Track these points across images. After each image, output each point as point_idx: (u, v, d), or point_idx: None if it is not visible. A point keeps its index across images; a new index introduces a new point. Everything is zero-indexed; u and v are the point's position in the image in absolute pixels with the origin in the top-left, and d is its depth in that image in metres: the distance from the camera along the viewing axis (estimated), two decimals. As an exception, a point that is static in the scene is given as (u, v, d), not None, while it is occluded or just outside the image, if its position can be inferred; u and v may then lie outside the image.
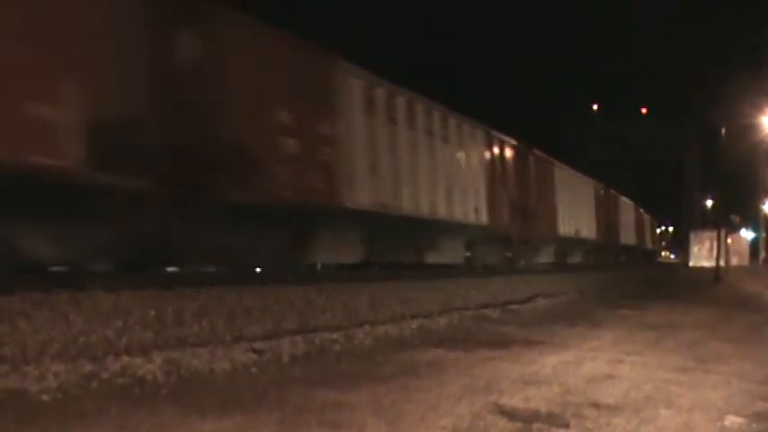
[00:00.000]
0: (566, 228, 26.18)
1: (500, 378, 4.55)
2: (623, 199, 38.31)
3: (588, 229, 29.62)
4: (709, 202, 63.80)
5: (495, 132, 20.16)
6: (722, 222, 40.24)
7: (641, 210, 45.85)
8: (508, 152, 20.93)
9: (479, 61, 70.12)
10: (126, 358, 4.30)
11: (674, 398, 4.18)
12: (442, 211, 16.70)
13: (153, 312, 5.87)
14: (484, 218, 18.86)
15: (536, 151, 23.62)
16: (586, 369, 5.05)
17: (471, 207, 18.24)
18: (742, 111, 35.45)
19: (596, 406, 3.87)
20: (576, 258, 28.95)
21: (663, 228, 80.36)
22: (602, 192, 32.80)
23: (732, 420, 3.72)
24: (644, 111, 78.06)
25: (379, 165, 14.27)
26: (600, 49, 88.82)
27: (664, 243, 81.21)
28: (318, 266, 12.92)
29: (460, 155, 17.85)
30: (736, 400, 4.19)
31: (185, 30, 9.83)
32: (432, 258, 16.63)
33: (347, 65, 13.61)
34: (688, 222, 66.86)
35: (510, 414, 3.60)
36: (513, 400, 3.91)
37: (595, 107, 76.90)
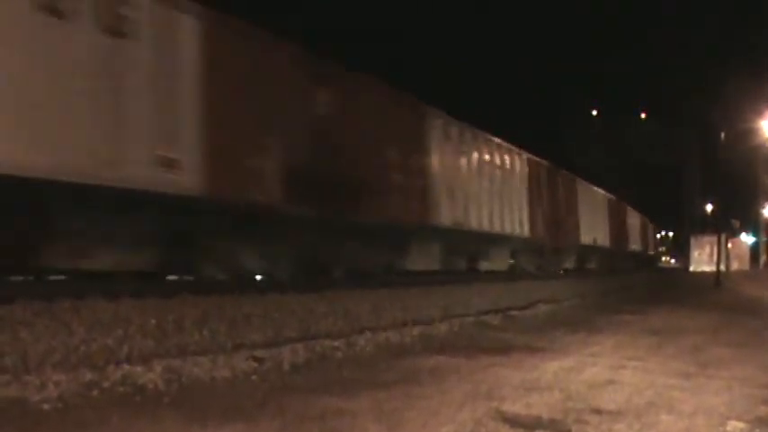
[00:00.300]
0: (586, 237, 29.06)
1: (502, 384, 4.54)
2: (630, 209, 40.60)
3: (603, 238, 32.35)
4: (709, 207, 63.83)
5: (532, 156, 23.05)
6: (722, 227, 40.30)
7: (644, 217, 46.60)
8: (542, 172, 24.06)
9: (479, 61, 70.05)
10: (127, 367, 4.29)
11: (675, 403, 4.17)
12: (497, 226, 19.81)
13: (153, 321, 5.87)
14: (526, 231, 22.01)
15: (564, 171, 26.96)
16: (588, 375, 5.05)
17: (516, 221, 21.25)
18: (742, 114, 35.52)
19: (598, 412, 3.86)
20: (592, 264, 31.45)
21: (663, 232, 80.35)
22: (614, 203, 35.58)
23: (734, 425, 3.71)
24: (643, 115, 78.03)
25: (454, 190, 17.24)
26: (599, 50, 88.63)
27: (663, 248, 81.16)
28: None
29: (508, 177, 20.87)
30: (738, 405, 4.18)
31: (329, 89, 12.62)
32: (483, 266, 19.66)
33: (431, 108, 16.70)
34: (688, 227, 66.81)
35: (512, 420, 3.59)
36: (515, 407, 3.91)
37: (594, 112, 76.82)
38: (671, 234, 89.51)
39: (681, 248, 72.53)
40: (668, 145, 71.30)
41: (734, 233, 56.59)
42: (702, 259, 54.01)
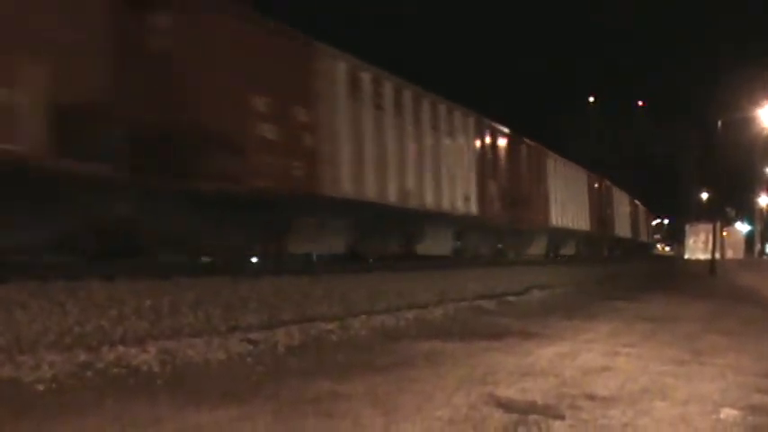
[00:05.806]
0: (558, 219, 25.42)
1: (496, 369, 4.55)
2: (618, 190, 36.96)
3: (582, 221, 28.59)
4: (705, 195, 63.95)
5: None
6: (717, 215, 40.33)
7: (636, 201, 45.34)
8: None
9: (478, 51, 70.12)
10: (121, 348, 4.29)
11: (669, 390, 4.18)
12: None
13: (148, 302, 5.86)
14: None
15: (527, 140, 22.83)
16: (582, 361, 5.05)
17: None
18: (739, 104, 35.50)
19: (592, 398, 3.87)
20: (569, 250, 28.32)
21: (659, 220, 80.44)
22: (596, 182, 31.55)
23: (728, 413, 3.72)
24: (640, 103, 77.97)
25: None
26: (597, 39, 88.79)
27: (658, 235, 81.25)
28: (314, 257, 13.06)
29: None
30: (731, 393, 4.19)
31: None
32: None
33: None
34: (684, 215, 66.94)
35: (506, 405, 3.59)
36: (510, 392, 3.91)
37: (591, 99, 76.67)
38: (666, 221, 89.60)
39: (676, 236, 72.69)
40: (664, 136, 71.31)
41: (729, 221, 56.73)
42: (697, 247, 54.21)
